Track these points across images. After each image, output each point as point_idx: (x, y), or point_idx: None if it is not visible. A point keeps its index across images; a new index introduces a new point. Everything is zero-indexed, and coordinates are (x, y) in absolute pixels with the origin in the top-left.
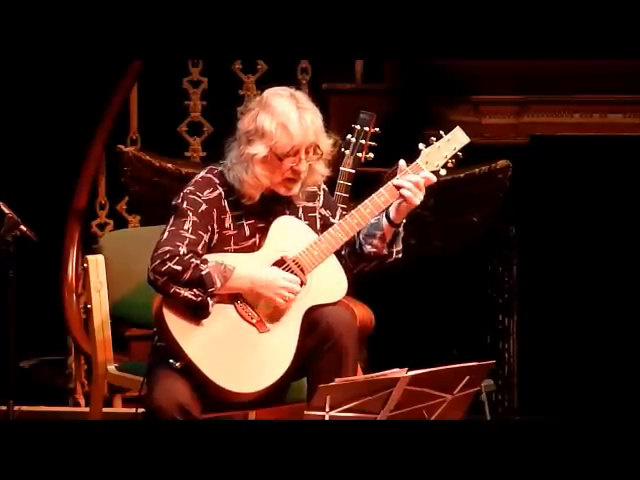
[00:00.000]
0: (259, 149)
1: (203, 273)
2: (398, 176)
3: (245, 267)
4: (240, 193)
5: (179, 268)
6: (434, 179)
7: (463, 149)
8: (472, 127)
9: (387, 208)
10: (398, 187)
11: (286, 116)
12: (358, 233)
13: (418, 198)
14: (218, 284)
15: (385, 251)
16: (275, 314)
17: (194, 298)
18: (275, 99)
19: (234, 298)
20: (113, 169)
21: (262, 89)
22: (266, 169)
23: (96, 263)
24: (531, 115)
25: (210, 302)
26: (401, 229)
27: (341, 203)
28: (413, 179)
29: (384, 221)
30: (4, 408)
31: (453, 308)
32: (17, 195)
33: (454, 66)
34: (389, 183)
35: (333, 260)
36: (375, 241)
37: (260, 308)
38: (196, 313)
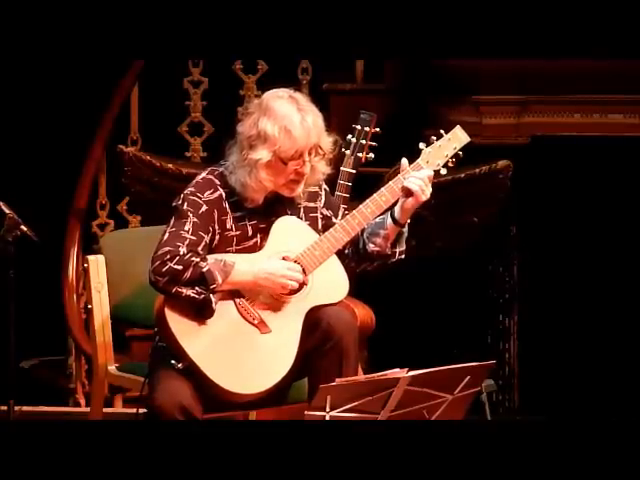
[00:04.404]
0: (263, 154)
1: (204, 270)
2: (400, 175)
3: (245, 262)
4: (243, 196)
5: (180, 267)
6: (431, 174)
7: (463, 149)
8: (472, 127)
9: (390, 207)
10: (407, 188)
11: (288, 120)
12: (362, 232)
13: (425, 195)
14: (219, 280)
15: (388, 251)
16: (277, 315)
17: (197, 296)
18: (275, 102)
19: (235, 297)
20: (114, 169)
21: (263, 89)
22: (270, 173)
23: (97, 263)
24: (531, 115)
25: (213, 300)
26: (405, 229)
27: (342, 203)
28: (421, 175)
29: (389, 220)
30: (4, 408)
31: (453, 308)
32: (17, 195)
33: (454, 66)
34: (390, 183)
35: (334, 260)
36: (379, 240)
37: (261, 308)
38: (200, 313)
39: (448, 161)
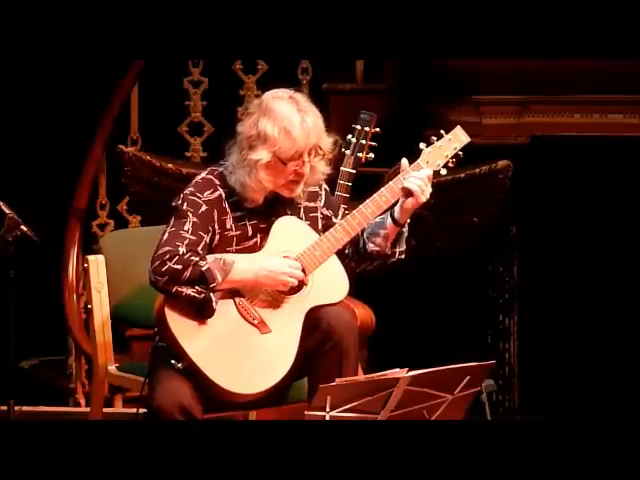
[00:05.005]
0: (262, 154)
1: (203, 269)
2: (400, 176)
3: (245, 260)
4: (243, 196)
5: (179, 267)
6: (430, 173)
7: (464, 149)
8: (472, 127)
9: (390, 207)
10: (406, 188)
11: (288, 120)
12: (362, 232)
13: (424, 195)
14: (219, 278)
15: (388, 251)
16: (277, 315)
17: (197, 295)
18: (275, 103)
19: (235, 297)
20: (114, 169)
21: (263, 89)
22: (269, 173)
23: (96, 263)
24: (531, 115)
25: (213, 299)
26: (405, 229)
27: (342, 203)
28: (420, 175)
29: (389, 220)
30: (4, 408)
31: (454, 308)
32: (17, 195)
33: (454, 66)
34: (390, 183)
35: (335, 261)
36: (379, 240)
37: (261, 308)
38: (201, 312)
39: (448, 161)
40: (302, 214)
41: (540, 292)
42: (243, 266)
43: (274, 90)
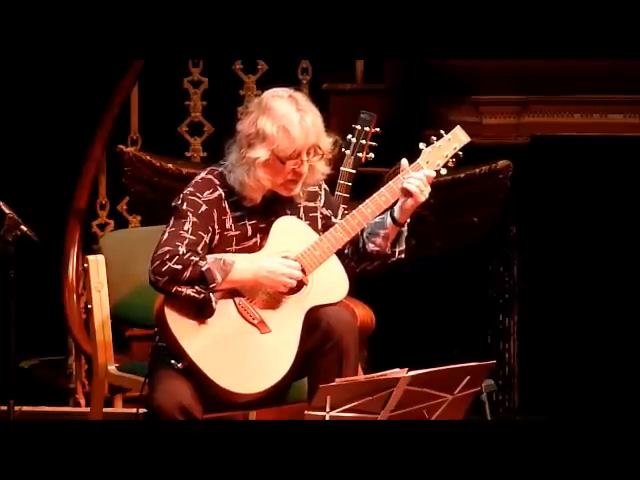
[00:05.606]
0: (261, 153)
1: (203, 269)
2: (400, 175)
3: (245, 260)
4: (241, 195)
5: (179, 267)
6: (433, 174)
7: (463, 149)
8: (472, 127)
9: (390, 207)
10: (405, 189)
11: (287, 119)
12: (362, 232)
13: (423, 195)
14: (219, 278)
15: (388, 250)
16: (276, 314)
17: (197, 295)
18: (275, 101)
19: (235, 297)
20: (114, 169)
21: (263, 89)
22: (268, 172)
23: (96, 263)
24: (531, 115)
25: (213, 299)
26: (405, 229)
27: (342, 203)
28: (419, 175)
29: (389, 220)
30: (4, 408)
31: (454, 308)
32: (17, 195)
33: (454, 66)
34: (390, 183)
35: (334, 260)
36: (379, 240)
37: (261, 308)
38: (201, 312)
39: (448, 161)
40: (302, 214)
41: (540, 292)
42: (243, 266)
43: (274, 89)
